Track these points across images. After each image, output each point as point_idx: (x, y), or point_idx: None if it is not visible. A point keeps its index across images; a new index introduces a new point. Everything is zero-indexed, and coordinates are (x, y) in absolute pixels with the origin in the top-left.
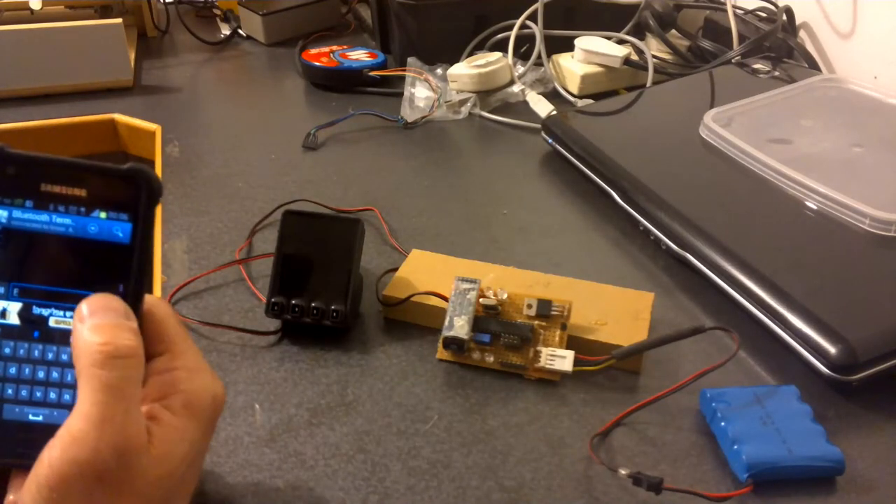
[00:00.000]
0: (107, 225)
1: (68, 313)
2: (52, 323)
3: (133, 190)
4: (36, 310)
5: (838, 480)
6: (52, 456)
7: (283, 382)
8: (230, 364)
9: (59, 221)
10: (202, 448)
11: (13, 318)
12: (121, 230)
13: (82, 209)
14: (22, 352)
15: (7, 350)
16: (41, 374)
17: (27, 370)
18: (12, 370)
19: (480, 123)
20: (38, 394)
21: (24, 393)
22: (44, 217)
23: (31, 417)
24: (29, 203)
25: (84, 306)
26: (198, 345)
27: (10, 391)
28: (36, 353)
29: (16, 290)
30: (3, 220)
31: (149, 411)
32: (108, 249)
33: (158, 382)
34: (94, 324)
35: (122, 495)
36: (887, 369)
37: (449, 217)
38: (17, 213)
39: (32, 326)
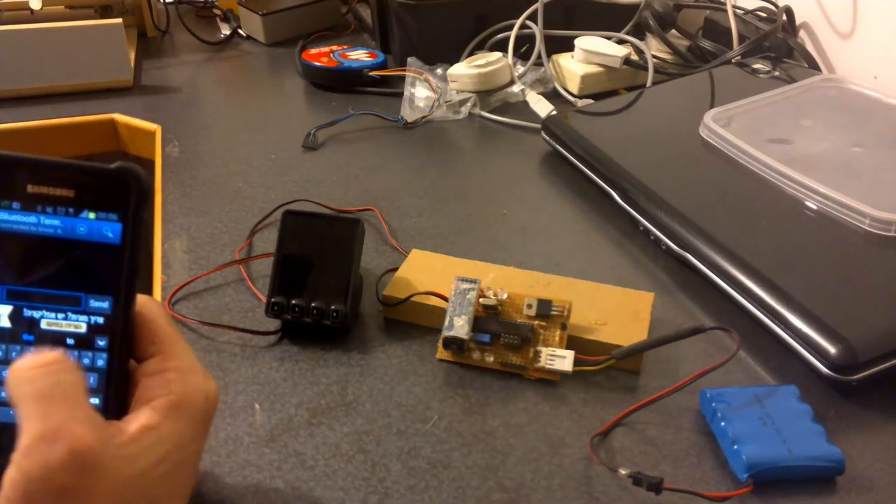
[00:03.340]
0: (96, 225)
1: (60, 315)
2: (44, 325)
3: (122, 189)
4: (27, 312)
5: (838, 480)
6: (12, 476)
7: (283, 382)
8: (230, 364)
9: (48, 223)
10: (194, 448)
11: (4, 321)
12: (111, 230)
13: (70, 210)
14: (14, 355)
15: None
16: None
17: None
18: (5, 373)
19: (480, 123)
20: None
21: None
22: (31, 219)
23: None
24: (16, 205)
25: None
26: (198, 345)
27: (3, 394)
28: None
29: (5, 293)
30: None
31: (134, 414)
32: (99, 250)
33: (149, 384)
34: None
35: (92, 498)
36: (887, 369)
37: (449, 217)
38: (3, 215)
39: (24, 329)
